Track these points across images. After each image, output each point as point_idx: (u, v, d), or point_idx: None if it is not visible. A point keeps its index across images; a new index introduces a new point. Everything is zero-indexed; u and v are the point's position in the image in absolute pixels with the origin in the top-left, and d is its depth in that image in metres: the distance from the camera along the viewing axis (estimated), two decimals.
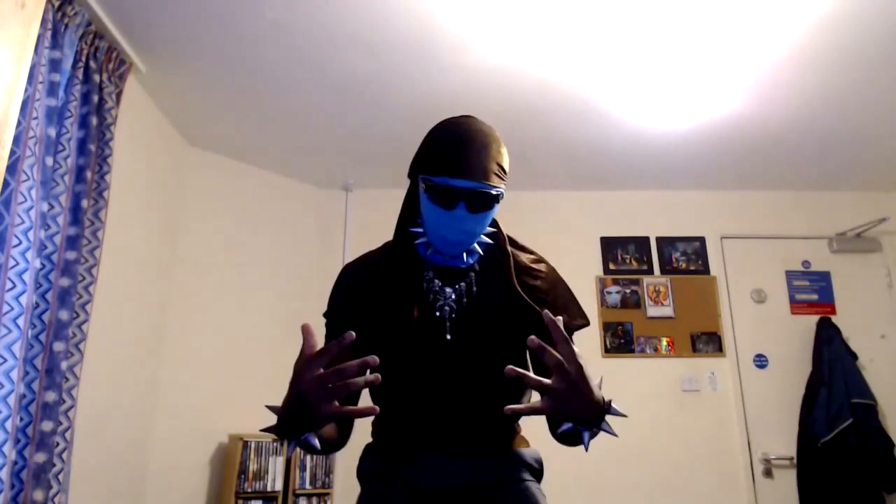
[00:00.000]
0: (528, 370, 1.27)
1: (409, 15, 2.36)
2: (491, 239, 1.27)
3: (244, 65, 2.70)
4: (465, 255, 1.24)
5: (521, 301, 1.23)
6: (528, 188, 3.85)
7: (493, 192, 1.16)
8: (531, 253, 1.34)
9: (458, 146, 1.15)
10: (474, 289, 1.24)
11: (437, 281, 1.24)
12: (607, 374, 4.14)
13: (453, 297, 1.24)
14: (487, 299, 1.24)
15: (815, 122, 3.11)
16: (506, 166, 1.20)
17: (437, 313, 1.22)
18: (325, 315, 1.32)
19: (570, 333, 1.24)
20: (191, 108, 3.10)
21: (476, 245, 1.24)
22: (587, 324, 1.30)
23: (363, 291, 1.27)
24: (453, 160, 1.14)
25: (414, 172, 1.24)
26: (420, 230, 1.25)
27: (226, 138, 3.39)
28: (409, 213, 1.28)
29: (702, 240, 3.87)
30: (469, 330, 1.22)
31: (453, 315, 1.22)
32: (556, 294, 1.29)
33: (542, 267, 1.31)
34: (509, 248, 1.29)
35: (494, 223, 1.30)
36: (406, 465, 1.21)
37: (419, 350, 1.21)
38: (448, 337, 1.21)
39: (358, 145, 3.42)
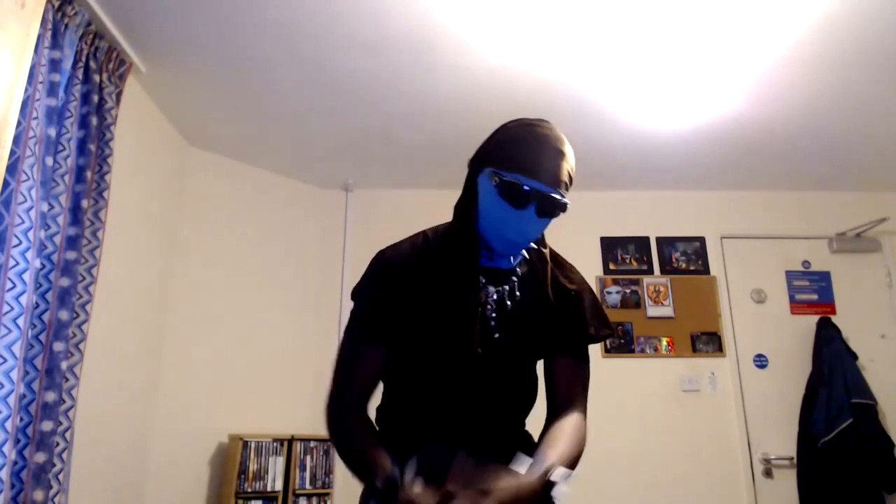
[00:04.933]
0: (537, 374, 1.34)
1: (409, 15, 2.36)
2: (536, 245, 1.30)
3: (244, 65, 2.70)
4: (512, 257, 1.26)
5: (552, 310, 1.27)
6: None
7: (563, 201, 1.16)
8: (566, 264, 1.36)
9: (537, 148, 1.15)
10: (517, 293, 1.26)
11: (481, 279, 1.25)
12: (607, 375, 4.11)
13: (495, 297, 1.25)
14: (525, 305, 1.26)
15: (814, 122, 3.11)
16: (574, 178, 1.20)
17: (480, 309, 1.23)
18: (357, 296, 1.28)
19: (596, 343, 1.32)
20: (191, 108, 3.10)
21: (524, 250, 1.27)
22: (612, 334, 1.35)
23: (408, 280, 1.24)
24: (533, 161, 1.14)
25: (479, 164, 1.23)
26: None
27: (226, 138, 3.39)
28: (469, 206, 1.25)
29: (702, 240, 3.87)
30: (506, 332, 1.24)
31: (494, 315, 1.24)
32: (585, 304, 1.31)
33: (575, 277, 1.34)
34: (549, 258, 1.31)
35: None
36: (416, 457, 1.22)
37: (451, 348, 1.22)
38: (496, 335, 1.23)
39: (358, 145, 3.42)
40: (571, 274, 1.34)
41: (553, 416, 1.26)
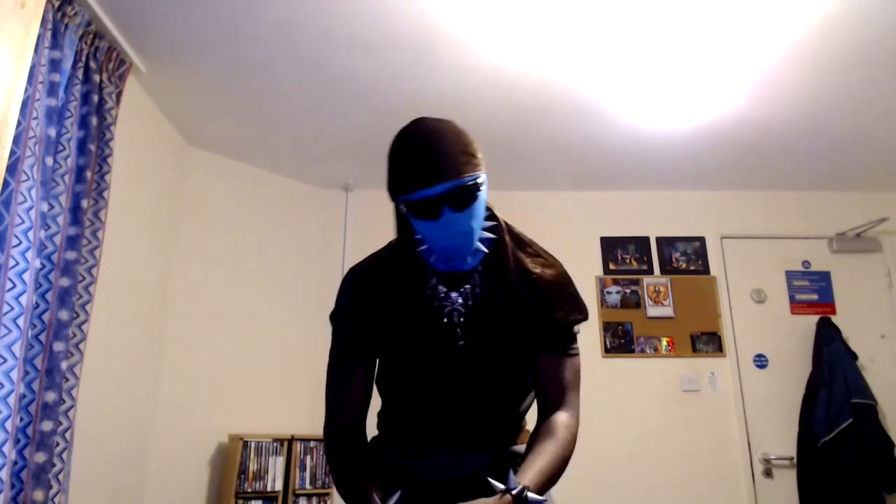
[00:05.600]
0: (526, 370, 1.29)
1: (409, 15, 2.36)
2: (492, 233, 1.23)
3: (244, 65, 2.70)
4: (469, 257, 1.22)
5: (522, 300, 1.22)
6: (528, 188, 3.85)
7: (470, 183, 1.11)
8: (532, 245, 1.29)
9: (416, 155, 1.12)
10: (478, 290, 1.23)
11: (441, 287, 1.23)
12: (607, 375, 4.10)
13: (460, 301, 1.22)
14: (492, 300, 1.23)
15: (815, 122, 3.11)
16: (475, 152, 1.15)
17: (445, 319, 1.21)
18: (333, 317, 1.30)
19: (569, 328, 1.24)
20: (191, 108, 3.10)
21: (479, 244, 1.21)
22: (584, 318, 1.25)
23: (372, 294, 1.26)
24: (418, 171, 1.10)
25: (391, 196, 1.21)
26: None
27: (226, 138, 3.39)
28: (406, 233, 1.25)
29: (702, 240, 3.87)
30: (476, 332, 1.22)
31: (462, 319, 1.21)
32: (556, 288, 1.24)
33: (541, 260, 1.26)
34: (510, 242, 1.25)
35: (493, 216, 1.25)
36: (411, 458, 1.23)
37: (429, 355, 1.22)
38: (461, 343, 1.21)
39: (358, 145, 3.42)
40: (537, 259, 1.26)
41: (543, 417, 1.23)
